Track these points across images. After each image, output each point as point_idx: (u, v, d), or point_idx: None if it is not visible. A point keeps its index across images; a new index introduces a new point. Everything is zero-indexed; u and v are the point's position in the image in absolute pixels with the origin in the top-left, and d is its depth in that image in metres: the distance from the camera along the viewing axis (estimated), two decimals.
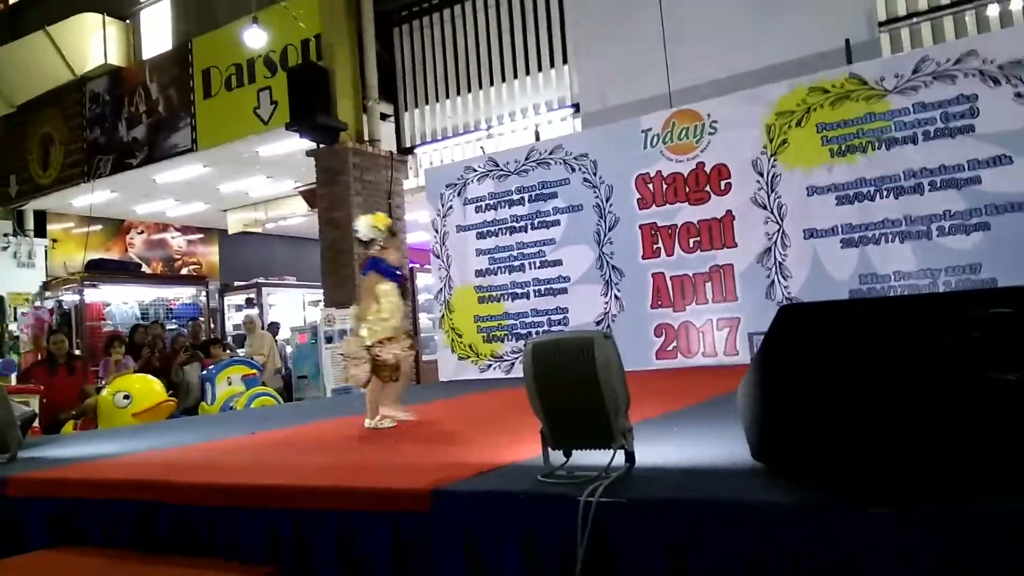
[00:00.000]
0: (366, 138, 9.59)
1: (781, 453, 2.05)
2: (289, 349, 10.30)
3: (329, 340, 8.55)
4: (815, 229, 6.23)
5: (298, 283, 14.08)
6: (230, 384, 7.71)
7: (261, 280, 13.74)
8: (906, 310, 2.04)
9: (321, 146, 9.38)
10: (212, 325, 12.52)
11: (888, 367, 1.78)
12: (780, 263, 6.37)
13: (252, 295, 13.50)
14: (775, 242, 6.39)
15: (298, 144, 9.85)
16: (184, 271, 15.65)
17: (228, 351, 9.57)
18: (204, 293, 12.54)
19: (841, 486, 1.74)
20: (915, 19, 6.95)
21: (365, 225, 4.17)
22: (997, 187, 5.53)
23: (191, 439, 4.31)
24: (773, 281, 6.38)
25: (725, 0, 7.27)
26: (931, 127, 5.79)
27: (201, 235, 16.21)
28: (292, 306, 13.74)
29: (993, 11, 6.69)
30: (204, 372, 7.94)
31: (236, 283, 14.20)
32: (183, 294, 12.43)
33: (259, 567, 2.40)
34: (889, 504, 1.63)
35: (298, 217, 13.86)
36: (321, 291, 9.88)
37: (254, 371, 8.05)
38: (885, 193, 5.97)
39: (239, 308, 13.53)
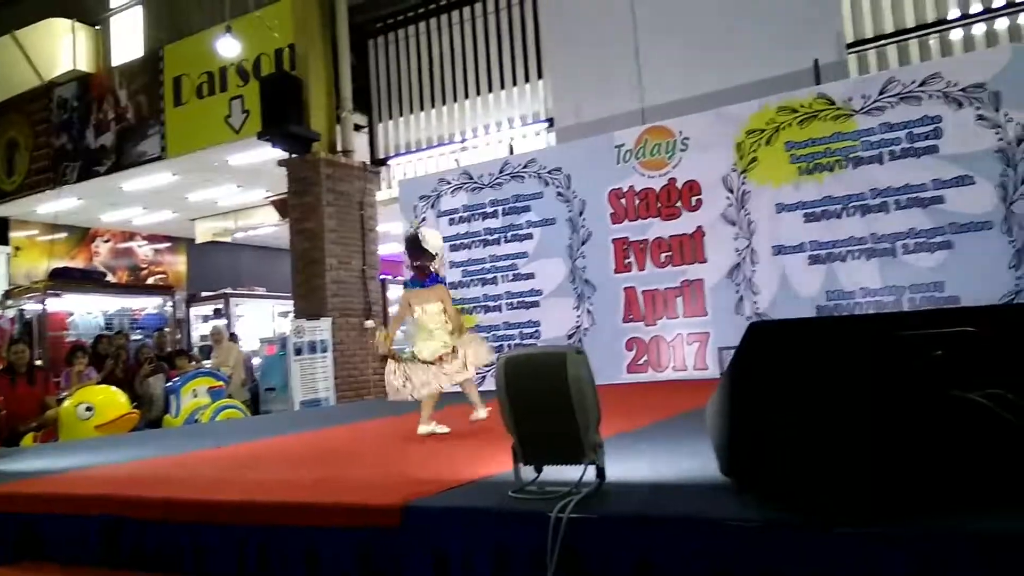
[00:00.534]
0: (339, 149, 9.54)
1: (750, 470, 2.07)
2: (257, 360, 10.16)
3: (298, 352, 8.42)
4: (783, 245, 6.33)
5: (267, 294, 13.91)
6: (195, 396, 7.58)
7: (229, 290, 13.55)
8: (872, 328, 2.07)
9: (293, 156, 9.31)
10: (178, 336, 12.32)
11: (855, 385, 1.81)
12: (749, 279, 6.45)
13: (219, 305, 13.31)
14: (744, 258, 6.48)
15: (270, 153, 9.76)
16: (150, 280, 15.35)
17: (194, 362, 9.43)
18: (170, 303, 12.36)
19: (809, 504, 1.76)
20: (882, 42, 7.10)
21: (437, 240, 4.28)
22: (959, 207, 5.66)
23: (155, 452, 4.24)
24: (742, 296, 6.46)
25: (697, 19, 7.37)
26: (896, 147, 5.92)
27: (168, 244, 15.93)
28: (261, 317, 13.57)
29: (956, 35, 6.87)
30: (169, 384, 7.81)
31: (203, 293, 13.99)
32: (149, 304, 12.23)
33: None
34: (856, 522, 1.65)
35: (268, 227, 13.70)
36: (291, 302, 9.77)
37: (220, 383, 7.93)
38: (851, 211, 6.08)
39: (206, 319, 13.34)
